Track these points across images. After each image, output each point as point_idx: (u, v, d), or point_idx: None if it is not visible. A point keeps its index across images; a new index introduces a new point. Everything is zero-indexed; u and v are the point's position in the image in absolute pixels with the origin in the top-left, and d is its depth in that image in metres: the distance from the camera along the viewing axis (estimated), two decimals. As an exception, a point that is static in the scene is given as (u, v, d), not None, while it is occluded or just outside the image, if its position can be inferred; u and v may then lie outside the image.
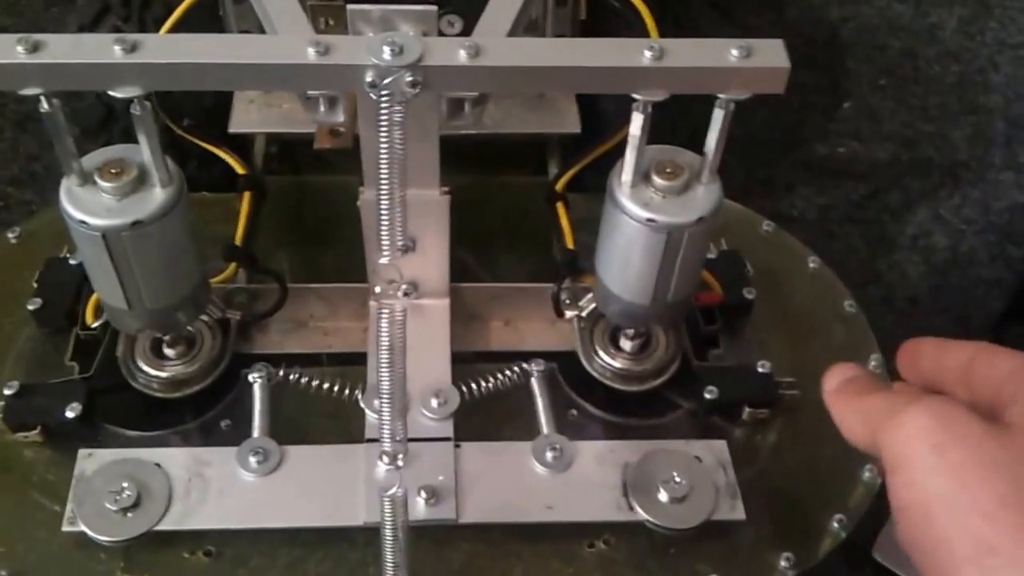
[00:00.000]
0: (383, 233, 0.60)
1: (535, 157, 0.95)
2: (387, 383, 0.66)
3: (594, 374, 0.78)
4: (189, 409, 0.76)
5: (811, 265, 0.85)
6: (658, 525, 0.69)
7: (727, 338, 0.80)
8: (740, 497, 0.70)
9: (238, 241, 0.80)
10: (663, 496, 0.69)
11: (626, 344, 0.78)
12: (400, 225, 0.64)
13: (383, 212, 0.60)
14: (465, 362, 0.78)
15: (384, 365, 0.68)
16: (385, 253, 0.61)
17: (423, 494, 0.68)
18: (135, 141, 0.87)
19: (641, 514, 0.69)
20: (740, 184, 1.06)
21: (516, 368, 0.76)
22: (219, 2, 0.87)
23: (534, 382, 0.76)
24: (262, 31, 0.87)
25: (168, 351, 0.76)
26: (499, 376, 0.75)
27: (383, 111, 0.58)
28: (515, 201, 0.89)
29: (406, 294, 0.75)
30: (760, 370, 0.76)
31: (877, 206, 1.04)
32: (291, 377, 0.74)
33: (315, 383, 0.74)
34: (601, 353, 0.78)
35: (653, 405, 0.78)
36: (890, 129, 1.11)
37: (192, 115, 0.86)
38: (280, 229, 0.87)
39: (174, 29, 0.83)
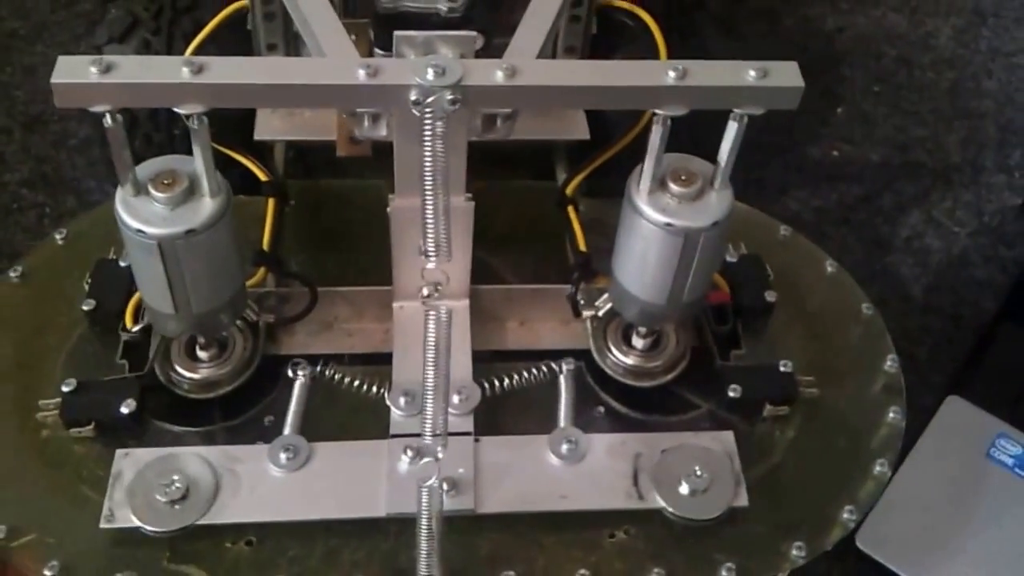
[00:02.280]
0: (429, 239, 0.64)
1: (542, 161, 0.99)
2: (431, 379, 0.71)
3: (607, 371, 0.82)
4: (223, 408, 0.79)
5: (829, 269, 0.89)
6: (678, 515, 0.73)
7: (749, 339, 0.84)
8: (744, 485, 0.74)
9: (265, 246, 0.84)
10: (684, 488, 0.73)
11: (638, 342, 0.82)
12: (444, 232, 0.68)
13: (428, 219, 0.64)
14: (483, 361, 0.81)
15: (430, 363, 0.73)
16: (432, 257, 0.64)
17: (444, 486, 0.72)
18: (156, 148, 0.92)
19: (655, 502, 0.73)
20: (734, 186, 1.09)
21: (544, 366, 0.79)
22: (248, 18, 0.90)
23: (562, 379, 0.79)
24: (288, 46, 0.91)
25: (201, 353, 0.79)
26: (526, 373, 0.79)
27: (427, 127, 0.62)
28: (525, 204, 0.92)
29: (430, 296, 0.79)
30: (782, 369, 0.80)
31: (870, 208, 1.07)
32: (327, 374, 0.78)
33: (347, 380, 0.77)
34: (614, 351, 0.82)
35: (677, 402, 0.81)
36: (883, 133, 1.15)
37: (213, 124, 0.89)
38: (302, 233, 0.91)
39: (203, 44, 0.87)
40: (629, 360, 0.81)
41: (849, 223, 1.05)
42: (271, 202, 0.87)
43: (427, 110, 0.61)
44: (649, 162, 0.67)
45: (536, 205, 0.92)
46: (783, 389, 0.79)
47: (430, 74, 0.61)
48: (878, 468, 0.76)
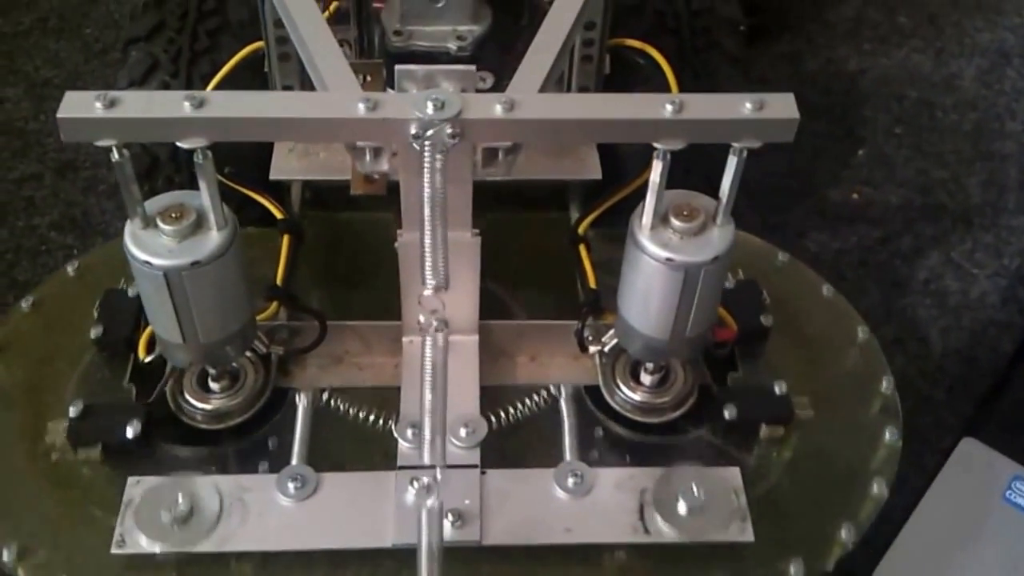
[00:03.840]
0: (427, 270, 0.65)
1: (557, 199, 1.00)
2: (414, 411, 0.72)
3: (616, 407, 0.82)
4: (233, 438, 0.81)
5: (825, 293, 0.89)
6: (674, 540, 0.73)
7: (745, 362, 0.84)
8: (750, 520, 0.74)
9: (279, 281, 0.85)
10: (682, 507, 0.73)
11: (646, 378, 0.82)
12: (443, 263, 0.69)
13: (427, 251, 0.65)
14: (490, 396, 0.82)
15: (414, 395, 0.74)
16: (429, 286, 0.65)
17: (450, 517, 0.72)
18: (178, 189, 0.93)
19: (661, 536, 0.73)
20: (755, 230, 1.10)
21: (544, 392, 0.80)
22: (265, 60, 0.92)
23: (563, 403, 0.80)
24: (303, 86, 0.93)
25: (213, 385, 0.81)
26: (527, 401, 0.80)
27: (426, 160, 0.63)
28: (539, 241, 0.93)
29: (438, 330, 0.80)
30: (777, 391, 0.80)
31: (889, 250, 1.07)
32: (333, 403, 0.79)
33: (352, 411, 0.78)
34: (622, 387, 0.82)
35: (675, 426, 0.82)
36: (904, 175, 1.15)
37: (232, 163, 0.91)
38: (318, 268, 0.92)
39: (220, 85, 0.89)
40: (637, 396, 0.82)
41: (867, 265, 1.05)
42: (286, 238, 0.88)
43: (427, 143, 0.62)
44: (650, 198, 0.68)
45: (550, 242, 0.93)
46: (778, 410, 0.80)
47: (429, 108, 0.62)
48: (875, 488, 0.77)
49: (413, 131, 0.62)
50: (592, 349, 0.82)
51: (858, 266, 1.05)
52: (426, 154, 0.62)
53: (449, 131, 0.63)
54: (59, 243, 1.17)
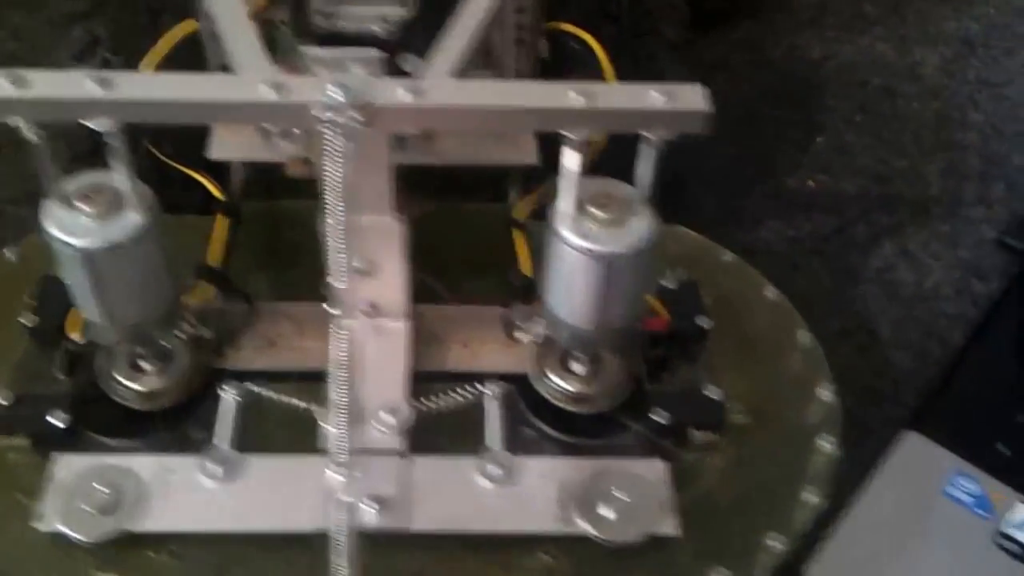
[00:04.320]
0: (338, 255, 0.64)
1: (499, 185, 0.99)
2: (338, 396, 0.72)
3: (545, 396, 0.81)
4: (164, 421, 0.80)
5: (768, 296, 0.89)
6: (599, 538, 0.72)
7: (681, 364, 0.84)
8: (676, 514, 0.74)
9: (212, 263, 0.85)
10: (605, 511, 0.73)
11: (577, 367, 0.82)
12: (356, 247, 0.69)
13: (333, 236, 0.64)
14: (425, 381, 0.82)
15: (339, 379, 0.74)
16: (341, 274, 0.65)
17: (373, 503, 0.72)
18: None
19: (580, 527, 0.73)
20: (711, 216, 1.09)
21: (471, 388, 0.80)
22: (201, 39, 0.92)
23: (487, 401, 0.80)
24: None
25: (145, 365, 0.81)
26: (454, 394, 0.79)
27: (331, 145, 0.63)
28: (479, 227, 0.93)
29: (367, 315, 0.80)
30: (708, 395, 0.80)
31: (844, 240, 1.07)
32: (260, 393, 0.79)
33: (280, 399, 0.78)
34: (552, 376, 0.82)
35: (605, 426, 0.81)
36: (862, 164, 1.14)
37: (175, 142, 0.91)
38: (255, 252, 0.91)
39: (160, 64, 0.88)
40: (566, 385, 0.81)
41: (822, 254, 1.04)
42: (220, 220, 0.88)
43: (331, 128, 0.61)
44: (565, 187, 0.67)
45: (487, 229, 0.92)
46: (709, 415, 0.79)
47: (334, 92, 0.62)
48: (808, 497, 0.76)
49: (318, 115, 0.62)
50: (520, 336, 0.82)
51: (811, 255, 1.04)
52: (332, 138, 0.61)
53: (353, 115, 0.62)
54: (14, 215, 1.16)
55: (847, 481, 0.87)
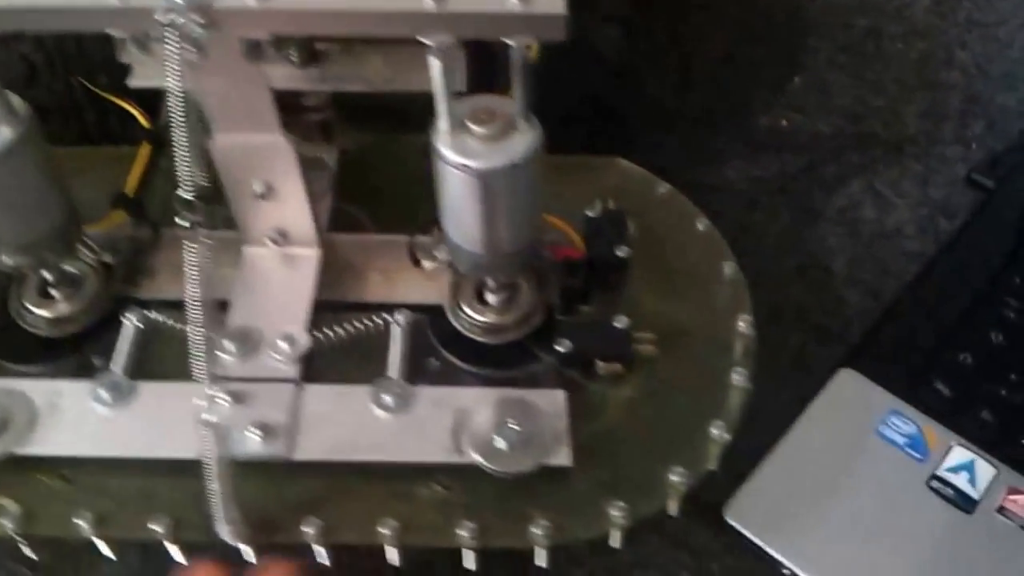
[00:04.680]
0: (181, 170, 0.63)
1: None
2: (235, 323, 0.74)
3: (457, 327, 0.80)
4: (70, 348, 0.80)
5: (700, 227, 0.86)
6: (490, 468, 0.70)
7: (599, 295, 0.81)
8: (569, 444, 0.71)
9: (127, 190, 0.85)
10: (498, 441, 0.71)
11: (490, 297, 0.79)
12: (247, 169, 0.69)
13: (178, 152, 0.63)
14: (341, 311, 0.80)
15: (239, 307, 0.74)
16: (188, 189, 0.63)
17: (256, 431, 0.71)
18: (59, 98, 0.93)
19: (471, 456, 0.71)
20: (672, 155, 1.06)
21: (378, 317, 0.78)
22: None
23: (393, 330, 0.78)
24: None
25: (54, 293, 0.80)
26: (359, 323, 0.78)
27: (174, 51, 0.61)
28: (403, 158, 0.91)
29: (275, 243, 0.79)
30: (617, 325, 0.77)
31: (810, 178, 1.02)
32: (160, 320, 0.78)
33: (179, 326, 0.77)
34: (465, 307, 0.80)
35: (513, 357, 0.79)
36: (839, 103, 1.09)
37: (108, 73, 0.90)
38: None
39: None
40: (478, 316, 0.79)
41: (785, 192, 1.00)
42: (143, 148, 0.88)
43: (174, 34, 0.60)
44: (439, 100, 0.65)
45: (414, 159, 0.90)
46: (615, 346, 0.76)
47: (172, -7, 0.60)
48: (715, 431, 0.73)
49: (160, 19, 0.60)
50: (427, 265, 0.80)
51: (775, 193, 1.00)
52: (173, 45, 0.59)
53: (195, 19, 0.60)
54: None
55: (786, 421, 0.84)
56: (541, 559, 0.69)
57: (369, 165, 0.90)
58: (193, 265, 0.63)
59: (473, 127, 0.66)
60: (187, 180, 0.62)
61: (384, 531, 0.68)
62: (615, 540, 0.71)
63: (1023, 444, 0.81)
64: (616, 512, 0.69)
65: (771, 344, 0.89)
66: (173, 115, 0.61)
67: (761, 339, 0.88)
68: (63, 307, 0.80)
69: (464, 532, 0.68)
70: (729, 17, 1.19)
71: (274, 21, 0.62)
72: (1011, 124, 1.08)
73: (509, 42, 0.62)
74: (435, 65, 0.62)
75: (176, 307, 0.78)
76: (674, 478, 0.70)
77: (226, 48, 0.65)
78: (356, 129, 0.93)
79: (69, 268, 0.81)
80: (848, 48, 1.16)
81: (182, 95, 0.61)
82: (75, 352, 0.80)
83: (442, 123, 0.66)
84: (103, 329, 0.81)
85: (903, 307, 0.90)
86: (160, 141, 0.89)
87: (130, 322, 0.78)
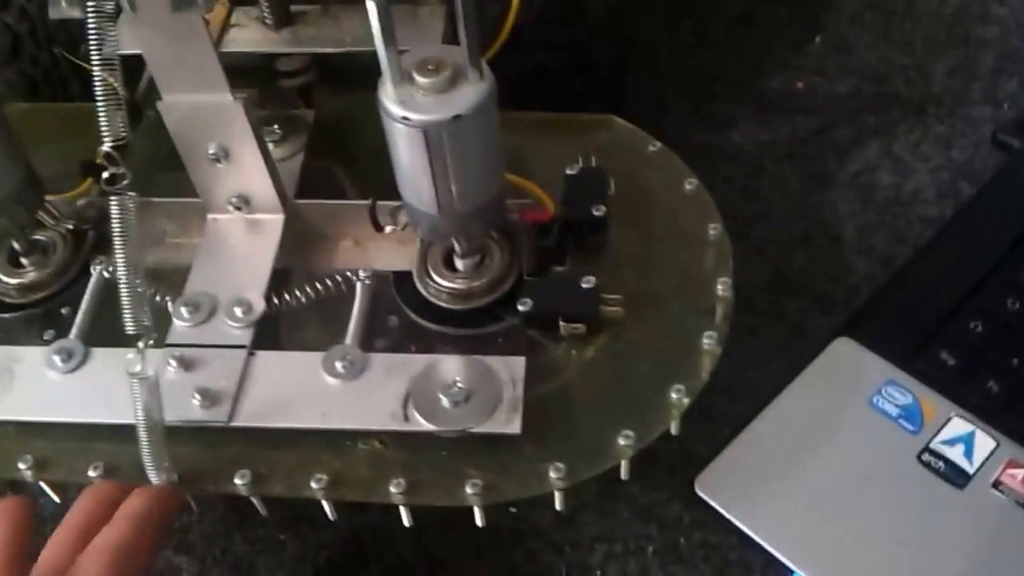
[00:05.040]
0: (102, 123, 0.61)
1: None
2: (192, 290, 0.73)
3: (425, 293, 0.77)
4: (37, 315, 0.80)
5: (687, 187, 0.82)
6: (431, 427, 0.68)
7: (575, 255, 0.78)
8: (520, 412, 0.68)
9: (98, 158, 0.83)
10: (443, 401, 0.69)
11: (459, 263, 0.77)
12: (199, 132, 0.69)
13: (100, 104, 0.61)
14: (305, 278, 0.78)
15: (197, 274, 0.74)
16: (105, 141, 0.61)
17: (199, 396, 0.69)
18: (45, 69, 0.93)
19: (415, 424, 0.68)
20: (680, 121, 1.02)
21: (339, 282, 0.76)
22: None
23: (356, 297, 0.76)
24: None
25: (24, 260, 0.80)
26: (320, 288, 0.76)
27: (93, 2, 0.59)
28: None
29: (238, 209, 0.77)
30: (584, 285, 0.74)
31: (822, 142, 0.97)
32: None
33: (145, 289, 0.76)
34: (434, 274, 0.77)
35: (476, 319, 0.76)
36: (861, 63, 1.03)
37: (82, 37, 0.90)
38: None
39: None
40: (445, 282, 0.76)
41: (794, 157, 0.95)
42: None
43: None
44: (380, 50, 0.62)
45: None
46: (578, 305, 0.73)
47: (91, -60, 0.58)
48: (674, 395, 0.69)
49: (82, -33, 0.58)
50: (388, 229, 0.77)
51: (783, 158, 0.95)
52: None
53: (119, -33, 0.58)
54: None
55: (777, 391, 0.79)
56: (478, 518, 0.66)
57: (348, 128, 0.88)
58: (118, 220, 0.61)
59: (418, 78, 0.63)
60: (107, 132, 0.60)
61: (314, 485, 0.66)
62: (558, 502, 0.67)
63: (1029, 414, 0.75)
64: (555, 474, 0.65)
65: (771, 312, 0.85)
66: (94, 68, 0.59)
67: (761, 307, 0.85)
68: (33, 275, 0.80)
69: (395, 488, 0.65)
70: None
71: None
72: (1049, 82, 1.02)
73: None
74: (372, 8, 0.59)
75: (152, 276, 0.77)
76: (623, 441, 0.67)
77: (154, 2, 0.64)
78: (338, 94, 0.91)
79: (38, 236, 0.81)
80: (875, 5, 1.10)
81: (100, 45, 0.59)
82: (41, 318, 0.79)
83: (385, 75, 0.63)
84: (72, 296, 0.79)
85: (911, 274, 0.85)
86: (138, 110, 0.88)
87: (89, 290, 0.77)
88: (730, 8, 1.12)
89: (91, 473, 0.69)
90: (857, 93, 1.03)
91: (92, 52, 0.59)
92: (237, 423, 0.69)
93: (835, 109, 1.01)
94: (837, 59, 1.06)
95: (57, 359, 0.73)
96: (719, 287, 0.74)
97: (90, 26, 0.58)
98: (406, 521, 0.68)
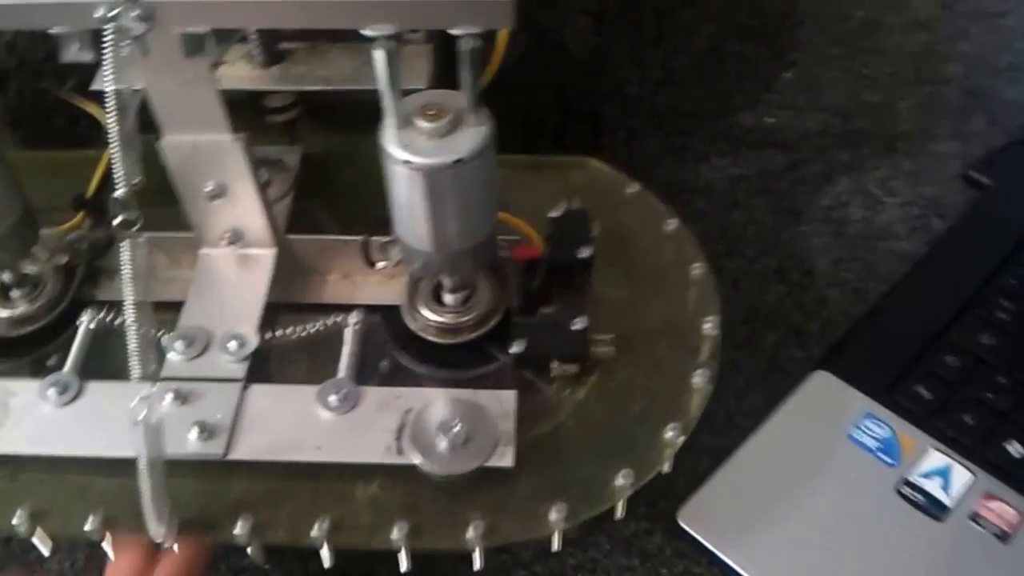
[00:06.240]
0: (116, 169, 0.62)
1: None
2: (186, 324, 0.74)
3: (413, 328, 0.78)
4: (28, 348, 0.80)
5: (668, 227, 0.84)
6: (430, 470, 0.69)
7: (561, 296, 0.79)
8: (513, 446, 0.70)
9: (90, 193, 0.84)
10: (440, 442, 0.70)
11: (447, 298, 0.78)
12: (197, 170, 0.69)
13: (113, 150, 0.62)
14: (299, 312, 0.79)
15: (191, 308, 0.75)
16: (119, 186, 0.62)
17: (196, 430, 0.70)
18: (32, 102, 0.93)
19: (411, 458, 0.69)
20: (652, 154, 1.04)
21: (331, 318, 0.77)
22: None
23: (347, 332, 0.77)
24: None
25: (13, 293, 0.80)
26: (313, 325, 0.77)
27: (110, 47, 0.60)
28: (375, 157, 0.89)
29: (231, 243, 0.78)
30: (575, 327, 0.75)
31: (794, 177, 0.99)
32: (116, 321, 0.78)
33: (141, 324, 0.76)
34: (422, 307, 0.78)
35: (468, 357, 0.77)
36: (829, 100, 1.06)
37: (76, 76, 0.90)
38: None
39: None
40: (433, 316, 0.78)
41: (767, 192, 0.98)
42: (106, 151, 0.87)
43: (112, 28, 0.59)
44: (384, 96, 0.64)
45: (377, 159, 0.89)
46: (571, 347, 0.74)
47: (111, -14, 0.59)
48: (669, 433, 0.71)
49: (98, 15, 0.59)
50: (380, 265, 0.78)
51: (755, 193, 0.97)
52: (109, 40, 0.59)
53: (135, 14, 0.59)
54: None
55: (756, 425, 0.82)
56: (478, 562, 0.68)
57: (333, 165, 0.89)
58: (129, 264, 0.62)
59: (420, 123, 0.65)
60: (122, 179, 0.61)
61: (315, 532, 0.66)
62: (556, 543, 0.69)
63: (1005, 448, 0.79)
64: (555, 515, 0.67)
65: (747, 346, 0.87)
66: (108, 112, 0.60)
67: (736, 341, 0.87)
68: (22, 308, 0.80)
69: (397, 533, 0.66)
70: (718, 12, 1.17)
71: (213, 14, 0.61)
72: (1014, 119, 1.05)
73: (455, 32, 0.60)
74: (379, 58, 0.61)
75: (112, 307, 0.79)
76: (620, 481, 0.68)
77: (166, 44, 0.65)
78: (324, 130, 0.92)
79: (29, 270, 0.81)
80: (843, 42, 1.14)
81: (117, 92, 0.60)
82: (32, 352, 0.79)
83: (388, 119, 0.65)
84: (61, 330, 0.80)
85: (886, 308, 0.87)
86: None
87: (83, 324, 0.77)
88: (696, 46, 1.15)
89: (87, 527, 0.68)
90: (826, 129, 1.06)
91: (107, 97, 0.59)
92: (234, 456, 0.70)
93: (805, 144, 1.04)
94: (806, 95, 1.09)
95: (52, 392, 0.73)
96: (706, 325, 0.76)
97: (105, 72, 0.59)
98: (404, 566, 0.68)
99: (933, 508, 0.75)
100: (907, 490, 0.76)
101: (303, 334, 0.77)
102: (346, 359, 0.75)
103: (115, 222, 0.62)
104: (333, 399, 0.72)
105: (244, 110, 0.85)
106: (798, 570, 0.72)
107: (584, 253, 0.79)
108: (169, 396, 0.72)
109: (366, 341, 0.78)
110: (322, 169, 0.89)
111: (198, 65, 0.67)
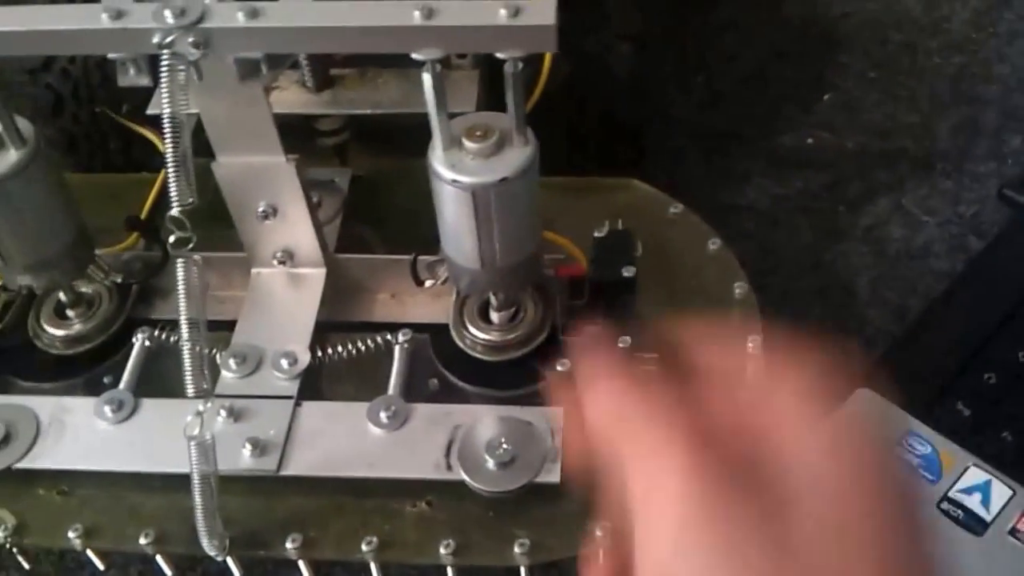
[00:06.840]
0: (172, 189, 0.64)
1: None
2: (239, 342, 0.75)
3: (461, 346, 0.79)
4: (83, 366, 0.82)
5: (711, 247, 0.85)
6: (478, 488, 0.70)
7: (608, 316, 0.80)
8: (559, 462, 0.71)
9: (144, 214, 0.86)
10: (488, 461, 0.71)
11: (494, 316, 0.79)
12: (251, 191, 0.70)
13: (170, 170, 0.64)
14: (348, 331, 0.81)
15: (244, 327, 0.76)
16: (174, 206, 0.64)
17: (249, 446, 0.72)
18: (85, 127, 0.95)
19: (459, 474, 0.70)
20: (696, 176, 1.05)
21: (381, 337, 0.79)
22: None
23: (396, 350, 0.78)
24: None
25: (69, 312, 0.82)
26: (363, 343, 0.78)
27: (166, 72, 0.62)
28: (416, 181, 0.91)
29: (282, 263, 0.79)
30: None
31: (834, 196, 1.00)
32: (170, 340, 0.79)
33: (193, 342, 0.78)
34: (470, 326, 0.79)
35: (515, 375, 0.78)
36: (868, 120, 1.07)
37: (131, 100, 0.92)
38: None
39: None
40: (481, 334, 0.79)
41: (807, 211, 0.99)
42: (161, 173, 0.89)
43: (167, 54, 0.61)
44: (432, 117, 0.65)
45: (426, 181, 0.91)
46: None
47: (169, 16, 0.61)
48: (710, 450, 0.71)
49: (155, 40, 0.61)
50: (429, 283, 0.80)
51: (796, 212, 0.98)
52: (166, 66, 0.61)
53: (191, 40, 0.61)
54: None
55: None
56: (524, 576, 0.69)
57: (381, 187, 0.91)
58: (183, 282, 0.63)
59: (467, 143, 0.66)
60: (177, 199, 0.63)
61: (365, 548, 0.68)
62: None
63: (1045, 465, 0.78)
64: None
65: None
66: (164, 135, 0.62)
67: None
68: (78, 327, 0.82)
69: (445, 550, 0.67)
70: (760, 36, 1.18)
71: (265, 40, 0.63)
72: (1052, 139, 1.06)
73: (500, 56, 0.61)
74: (427, 80, 0.63)
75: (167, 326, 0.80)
76: (667, 497, 0.69)
77: (221, 69, 0.67)
78: (372, 153, 0.94)
79: (84, 289, 0.83)
80: (881, 64, 1.15)
81: (173, 115, 0.62)
82: (87, 370, 0.81)
83: (436, 140, 0.66)
84: (116, 348, 0.82)
85: (926, 326, 0.88)
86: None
87: (138, 342, 0.79)
88: (737, 69, 1.16)
89: (142, 542, 0.70)
90: (865, 149, 1.06)
91: (163, 120, 0.61)
92: (286, 472, 0.71)
93: (845, 164, 1.05)
94: (845, 116, 1.10)
95: (108, 409, 0.75)
96: (749, 344, 0.77)
97: (162, 95, 0.61)
98: (450, 585, 0.69)
99: (973, 523, 0.75)
100: (948, 506, 0.76)
101: (353, 352, 0.78)
102: (396, 376, 0.76)
103: (170, 240, 0.64)
104: (383, 416, 0.73)
105: (296, 133, 0.87)
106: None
107: (628, 272, 0.80)
108: (222, 413, 0.74)
109: (414, 359, 0.79)
110: (371, 191, 0.90)
111: (252, 89, 0.69)
